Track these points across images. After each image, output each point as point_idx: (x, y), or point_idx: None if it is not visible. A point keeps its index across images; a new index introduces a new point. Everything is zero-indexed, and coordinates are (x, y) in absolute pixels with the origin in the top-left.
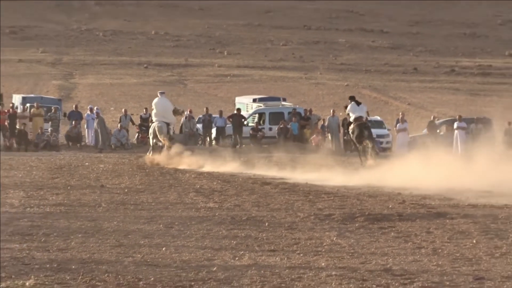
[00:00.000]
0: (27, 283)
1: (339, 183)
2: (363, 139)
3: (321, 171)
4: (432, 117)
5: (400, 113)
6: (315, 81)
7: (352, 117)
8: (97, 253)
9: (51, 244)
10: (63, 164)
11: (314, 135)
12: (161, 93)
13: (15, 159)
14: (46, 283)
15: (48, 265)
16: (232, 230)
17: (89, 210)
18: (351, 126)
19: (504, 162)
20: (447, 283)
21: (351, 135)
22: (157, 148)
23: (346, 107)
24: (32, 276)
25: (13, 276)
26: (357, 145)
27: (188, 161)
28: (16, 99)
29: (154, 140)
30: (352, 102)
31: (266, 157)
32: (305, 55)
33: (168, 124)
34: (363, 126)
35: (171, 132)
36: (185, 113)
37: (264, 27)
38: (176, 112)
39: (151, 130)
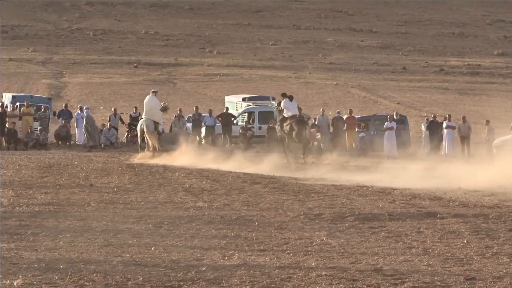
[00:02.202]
0: (15, 283)
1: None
2: (302, 137)
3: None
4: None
5: (395, 112)
6: (304, 80)
7: (286, 113)
8: (85, 253)
9: (40, 244)
10: (52, 163)
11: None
12: (153, 92)
13: (4, 157)
14: (34, 283)
15: (36, 265)
16: (221, 230)
17: (78, 209)
18: (287, 122)
19: (490, 161)
20: (438, 283)
21: (286, 132)
22: (144, 147)
23: (279, 103)
24: (20, 276)
25: (0, 276)
26: (290, 142)
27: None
28: (6, 97)
29: (142, 138)
30: (286, 99)
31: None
32: (294, 54)
33: (156, 122)
34: (302, 124)
35: (160, 129)
36: (166, 105)
37: (253, 26)
38: (163, 109)
39: (138, 128)
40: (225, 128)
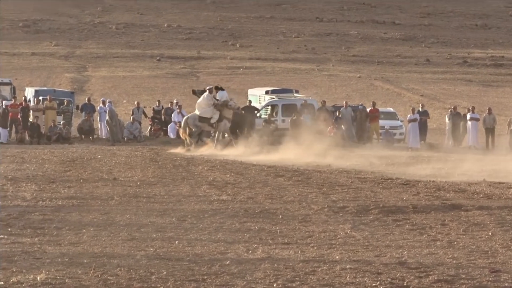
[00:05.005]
0: (38, 278)
1: None
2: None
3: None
4: None
5: (420, 104)
6: (327, 73)
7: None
8: (109, 247)
9: (63, 238)
10: (75, 157)
11: (331, 126)
12: (208, 89)
13: (27, 152)
14: (58, 277)
15: (59, 259)
16: (245, 223)
17: (101, 203)
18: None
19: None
20: (463, 276)
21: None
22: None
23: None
24: (43, 270)
25: (24, 271)
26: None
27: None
28: (29, 92)
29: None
30: (220, 91)
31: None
32: (317, 47)
33: (204, 117)
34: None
35: (211, 122)
36: (227, 101)
37: (276, 19)
38: (218, 106)
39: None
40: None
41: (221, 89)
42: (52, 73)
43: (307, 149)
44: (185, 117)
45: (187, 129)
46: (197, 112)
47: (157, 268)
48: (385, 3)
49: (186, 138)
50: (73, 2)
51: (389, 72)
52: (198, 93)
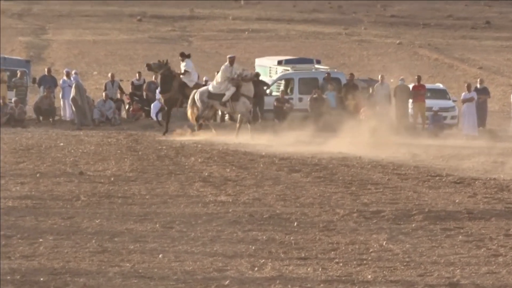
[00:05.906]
0: None
1: None
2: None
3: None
4: None
5: (478, 80)
6: (358, 38)
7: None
8: (73, 261)
9: (13, 249)
10: (31, 145)
11: (364, 108)
12: (228, 58)
13: None
14: None
15: (8, 277)
16: (250, 232)
17: (63, 204)
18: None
19: None
20: None
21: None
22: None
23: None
24: None
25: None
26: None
27: None
28: None
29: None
30: (188, 60)
31: None
32: (345, 4)
33: (212, 93)
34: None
35: (224, 100)
36: (244, 72)
37: None
38: (234, 80)
39: None
40: (255, 100)
41: (187, 56)
42: (2, 36)
43: (330, 137)
44: (193, 91)
45: (196, 107)
46: (210, 87)
47: None
48: None
49: (195, 118)
50: None
51: (438, 37)
52: (154, 67)
